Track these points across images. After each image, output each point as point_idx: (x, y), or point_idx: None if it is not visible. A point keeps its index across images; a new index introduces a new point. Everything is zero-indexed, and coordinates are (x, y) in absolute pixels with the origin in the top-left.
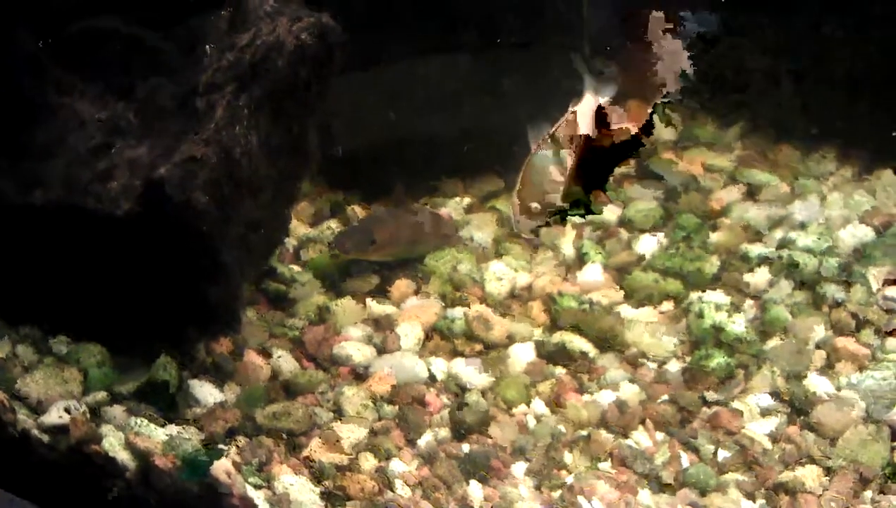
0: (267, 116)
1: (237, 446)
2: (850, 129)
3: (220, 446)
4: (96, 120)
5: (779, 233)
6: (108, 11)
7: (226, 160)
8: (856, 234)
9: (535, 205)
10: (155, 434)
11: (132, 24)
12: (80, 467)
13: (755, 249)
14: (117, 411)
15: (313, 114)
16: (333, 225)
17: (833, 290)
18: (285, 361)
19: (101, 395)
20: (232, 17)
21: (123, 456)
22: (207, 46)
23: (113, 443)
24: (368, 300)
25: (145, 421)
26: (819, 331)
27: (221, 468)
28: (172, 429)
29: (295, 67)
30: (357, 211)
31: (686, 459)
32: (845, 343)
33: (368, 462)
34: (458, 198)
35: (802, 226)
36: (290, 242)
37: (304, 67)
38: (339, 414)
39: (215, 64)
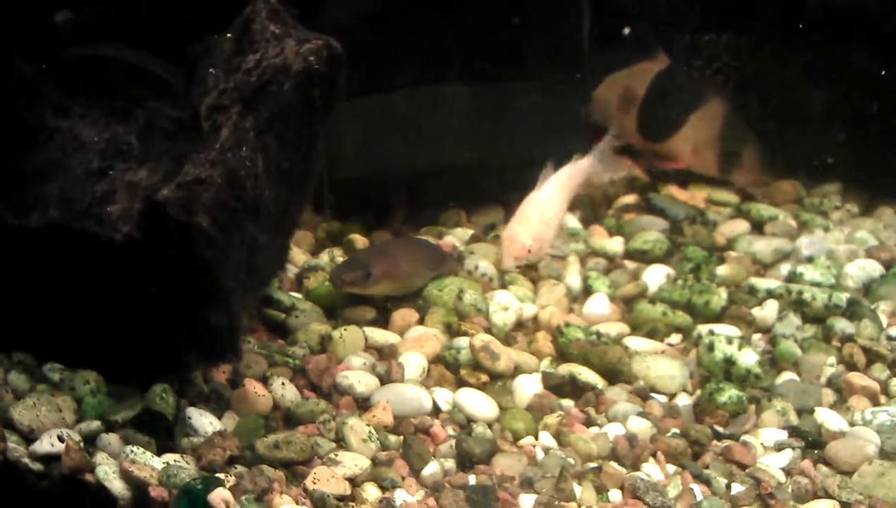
0: (273, 139)
1: (236, 475)
2: (850, 166)
3: (219, 475)
4: (96, 143)
5: (786, 267)
6: (112, 37)
7: (231, 182)
8: (864, 268)
9: (522, 248)
10: (151, 463)
11: (134, 51)
12: (72, 496)
13: (763, 283)
14: (112, 439)
15: (318, 138)
16: (335, 253)
17: (843, 325)
18: (286, 390)
19: (96, 424)
20: (238, 39)
21: (117, 486)
22: (212, 69)
23: (107, 472)
24: (371, 329)
25: (141, 450)
26: (830, 366)
27: (219, 497)
28: (169, 458)
29: (301, 90)
30: (358, 240)
31: (699, 492)
32: (857, 378)
33: (372, 492)
34: (460, 229)
35: (809, 260)
36: (291, 270)
37: (311, 90)
38: (341, 443)
39: (221, 85)
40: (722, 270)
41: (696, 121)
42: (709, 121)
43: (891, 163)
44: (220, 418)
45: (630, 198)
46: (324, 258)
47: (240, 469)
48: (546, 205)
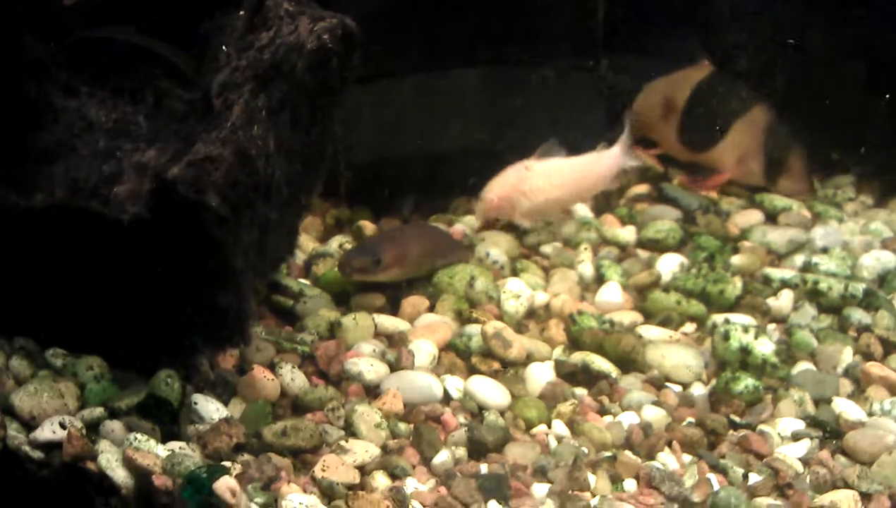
0: (285, 118)
1: (242, 463)
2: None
3: (225, 463)
4: (103, 123)
5: (801, 258)
6: (123, 17)
7: (242, 161)
8: (880, 259)
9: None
10: (155, 451)
11: (144, 34)
12: (73, 485)
13: (777, 273)
14: (115, 426)
15: (332, 119)
16: (344, 239)
17: (859, 315)
18: (295, 376)
19: (99, 411)
20: (251, 17)
21: (120, 474)
22: (224, 46)
23: (109, 460)
24: (380, 316)
25: (145, 437)
26: (847, 356)
27: (225, 486)
28: (174, 445)
29: (315, 69)
30: (367, 227)
31: (716, 482)
32: (875, 368)
33: (381, 481)
34: (470, 216)
35: (824, 251)
36: (300, 256)
37: (324, 69)
38: (350, 431)
39: (233, 63)
40: (736, 260)
41: (740, 130)
42: (753, 128)
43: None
44: (226, 405)
45: (642, 188)
46: (332, 245)
47: (246, 456)
48: (535, 178)
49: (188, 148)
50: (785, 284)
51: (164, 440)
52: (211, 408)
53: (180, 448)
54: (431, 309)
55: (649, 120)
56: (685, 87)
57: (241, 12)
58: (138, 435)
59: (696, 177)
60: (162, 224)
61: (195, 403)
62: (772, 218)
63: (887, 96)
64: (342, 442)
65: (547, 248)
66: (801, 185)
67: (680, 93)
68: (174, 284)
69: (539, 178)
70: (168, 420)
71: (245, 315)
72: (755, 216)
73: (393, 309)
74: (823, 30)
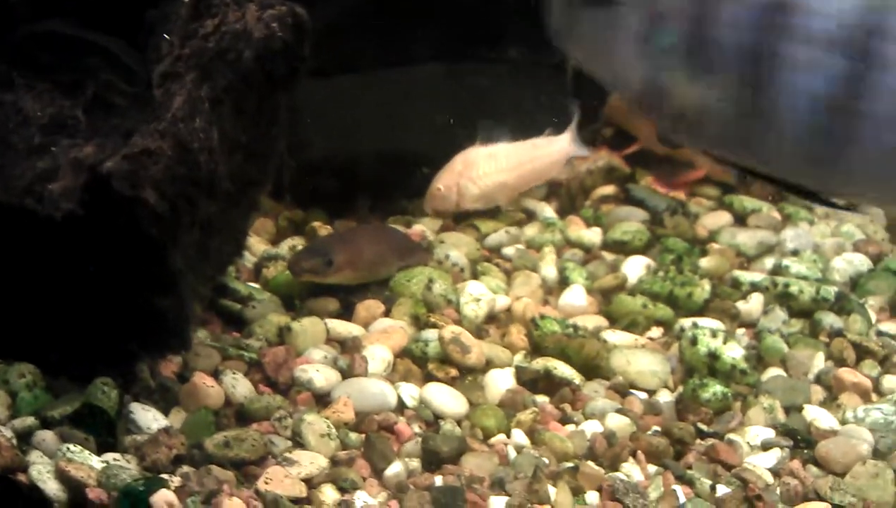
0: (230, 110)
1: (182, 476)
2: None
3: (163, 476)
4: (39, 117)
5: (770, 260)
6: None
7: (182, 155)
8: (852, 262)
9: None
10: (89, 462)
11: (83, 24)
12: (2, 498)
13: (747, 276)
14: (47, 436)
15: (281, 113)
16: (296, 242)
17: (831, 320)
18: (239, 384)
19: (31, 420)
20: (195, 4)
21: (52, 486)
22: (167, 35)
23: (41, 472)
24: (333, 321)
25: (79, 448)
26: (818, 362)
27: (163, 499)
28: (109, 457)
29: (263, 58)
30: (321, 229)
31: (682, 494)
32: (847, 374)
33: (330, 494)
34: (430, 217)
35: (795, 253)
36: (250, 259)
37: (273, 59)
38: (298, 442)
39: (176, 52)
40: (704, 262)
41: None
42: None
43: None
44: (166, 414)
45: (608, 189)
46: (284, 247)
47: (186, 469)
48: (481, 162)
49: (128, 141)
50: (755, 287)
51: (99, 451)
52: (149, 418)
53: (115, 459)
54: (387, 313)
55: (625, 113)
56: None
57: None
58: (71, 446)
59: (667, 176)
60: (97, 222)
61: (133, 413)
62: (741, 219)
63: None
64: (289, 454)
65: (509, 250)
66: (772, 187)
67: None
68: (110, 287)
69: (485, 163)
70: (104, 430)
71: (185, 319)
72: (724, 217)
73: (347, 313)
74: None
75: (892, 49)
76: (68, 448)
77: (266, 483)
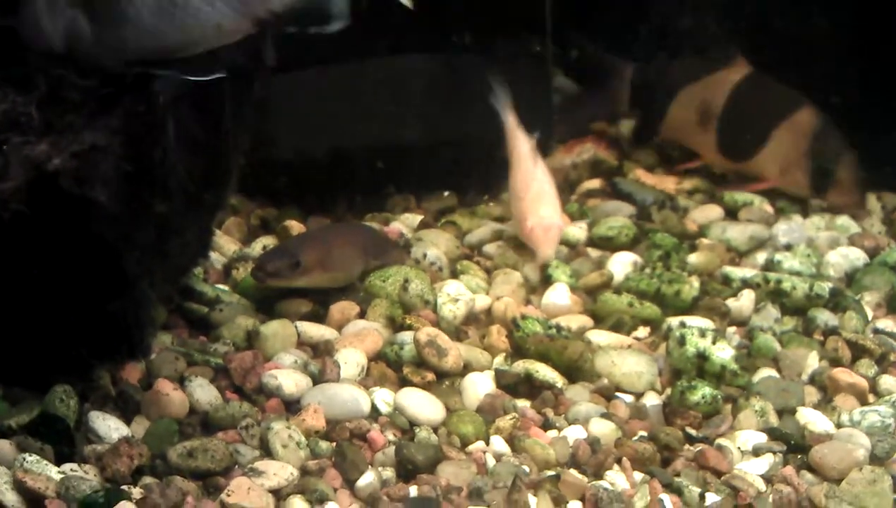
0: (188, 105)
1: (144, 487)
2: None
3: (124, 487)
4: None
5: (762, 256)
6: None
7: (135, 152)
8: (847, 256)
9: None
10: (47, 473)
11: None
12: None
13: (738, 272)
14: (4, 446)
15: (243, 108)
16: (268, 241)
17: (825, 317)
18: (203, 391)
19: None
20: None
21: (10, 498)
22: None
23: None
24: (304, 324)
25: (36, 458)
26: (812, 362)
27: None
28: (68, 467)
29: (224, 50)
30: (294, 227)
31: (669, 503)
32: (842, 374)
33: (299, 506)
34: (409, 215)
35: (788, 248)
36: (219, 260)
37: (235, 52)
38: (266, 451)
39: None
40: (694, 258)
41: (783, 136)
42: (798, 134)
43: (871, 150)
44: (128, 423)
45: (594, 183)
46: (256, 247)
47: (148, 480)
48: (548, 178)
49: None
50: (746, 284)
51: (58, 461)
52: (109, 427)
53: (73, 470)
54: (362, 315)
55: (685, 128)
56: (722, 91)
57: None
58: (28, 456)
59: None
60: (47, 223)
61: (93, 421)
62: (732, 213)
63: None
64: (256, 464)
65: (490, 248)
66: (850, 198)
67: (716, 98)
68: (62, 290)
69: (549, 177)
70: (62, 439)
71: (143, 324)
72: (714, 211)
73: (320, 315)
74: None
75: None
76: (24, 459)
77: (228, 494)
